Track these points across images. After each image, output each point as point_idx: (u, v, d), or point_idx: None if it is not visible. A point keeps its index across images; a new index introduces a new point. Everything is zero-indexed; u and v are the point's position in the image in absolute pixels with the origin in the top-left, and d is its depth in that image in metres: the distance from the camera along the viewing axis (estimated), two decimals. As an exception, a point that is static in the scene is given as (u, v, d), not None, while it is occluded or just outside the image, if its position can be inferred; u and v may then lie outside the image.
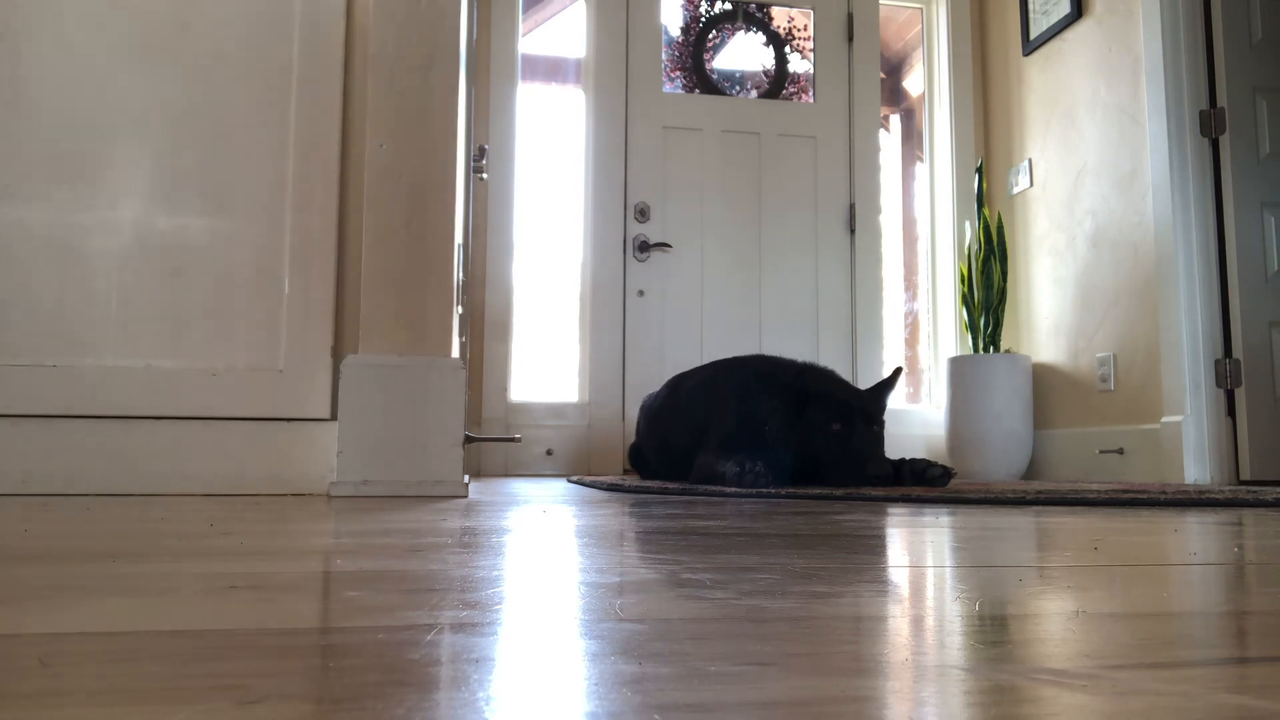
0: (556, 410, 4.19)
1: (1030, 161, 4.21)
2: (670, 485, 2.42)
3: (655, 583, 0.66)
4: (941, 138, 4.63)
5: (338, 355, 1.99)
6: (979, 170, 4.26)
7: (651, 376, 4.14)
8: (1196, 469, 3.27)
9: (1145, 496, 1.84)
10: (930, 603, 0.61)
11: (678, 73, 4.53)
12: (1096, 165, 3.78)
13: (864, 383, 4.28)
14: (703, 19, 4.57)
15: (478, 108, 4.05)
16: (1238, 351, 3.27)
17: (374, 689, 0.36)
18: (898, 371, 2.68)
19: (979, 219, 4.14)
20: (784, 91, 4.59)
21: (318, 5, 2.05)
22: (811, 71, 4.58)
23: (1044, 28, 4.11)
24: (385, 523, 1.19)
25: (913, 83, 5.28)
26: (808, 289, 4.43)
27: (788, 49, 4.61)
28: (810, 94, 4.58)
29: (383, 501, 1.69)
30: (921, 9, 4.76)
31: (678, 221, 4.35)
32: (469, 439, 2.25)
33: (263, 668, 0.39)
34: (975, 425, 3.96)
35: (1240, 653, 0.45)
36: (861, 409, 2.45)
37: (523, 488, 2.55)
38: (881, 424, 2.54)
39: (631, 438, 3.89)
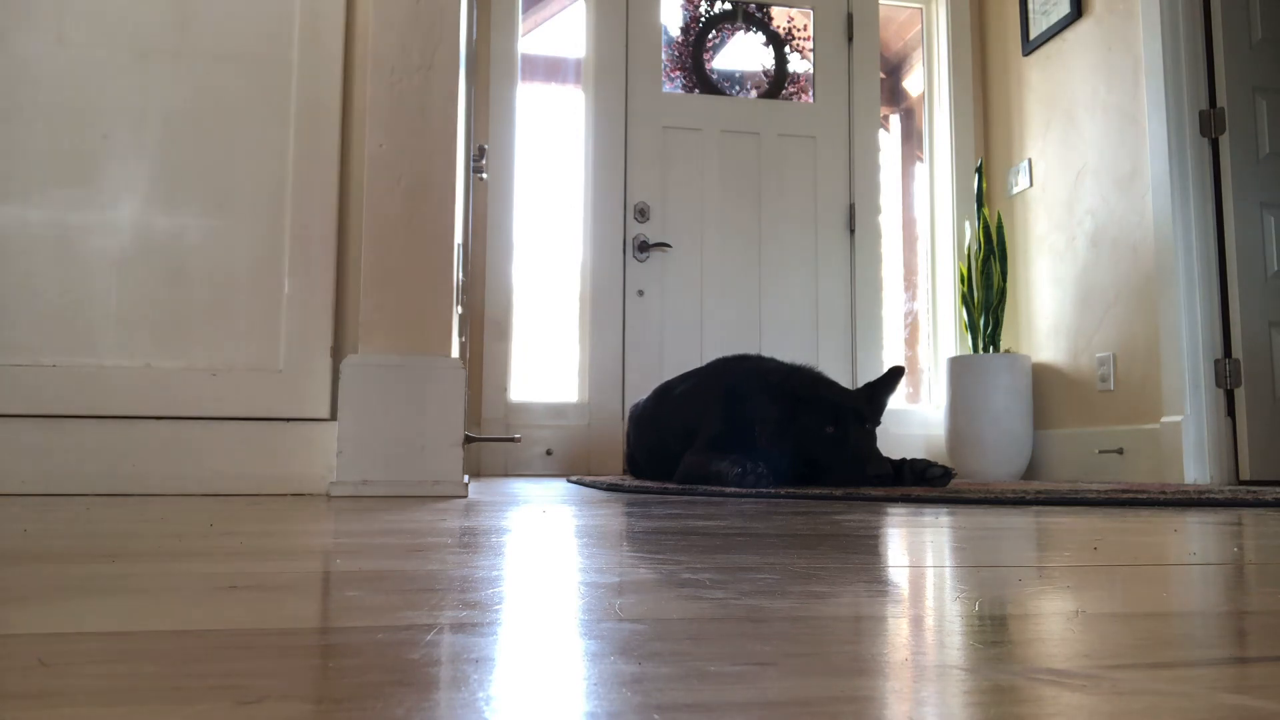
0: (556, 410, 4.19)
1: (1030, 161, 4.21)
2: (670, 485, 2.42)
3: (655, 583, 0.66)
4: (941, 138, 4.63)
5: (337, 355, 1.99)
6: (979, 170, 4.26)
7: (651, 376, 4.14)
8: (1196, 469, 3.27)
9: (1145, 496, 1.84)
10: (930, 603, 0.61)
11: (677, 73, 4.53)
12: (1096, 165, 3.78)
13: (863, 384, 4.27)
14: (702, 19, 4.57)
15: (478, 108, 4.05)
16: (1237, 351, 3.27)
17: (374, 689, 0.36)
18: (897, 371, 2.63)
19: (979, 219, 4.14)
20: (784, 91, 4.59)
21: (318, 5, 2.05)
22: (811, 71, 4.58)
23: (1044, 28, 4.11)
24: (385, 523, 1.19)
25: (913, 83, 5.28)
26: (807, 289, 4.43)
27: (787, 49, 4.61)
28: (810, 94, 4.58)
29: (382, 501, 1.69)
30: (921, 9, 4.76)
31: (678, 221, 4.35)
32: (469, 439, 2.25)
33: (263, 668, 0.39)
34: (975, 425, 3.96)
35: (1240, 653, 0.45)
36: (855, 410, 2.45)
37: (522, 488, 2.55)
38: (876, 424, 2.53)
39: (631, 438, 3.89)
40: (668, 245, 4.31)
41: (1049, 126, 4.09)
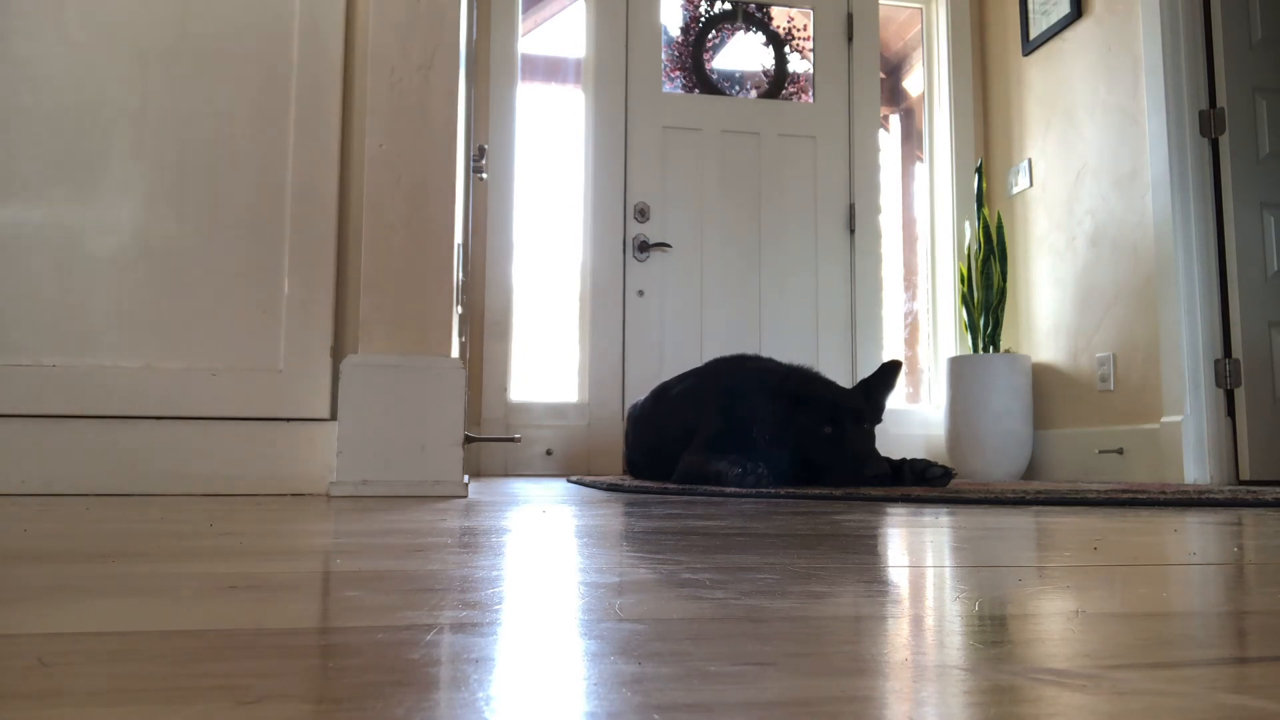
0: (556, 410, 4.19)
1: (1030, 161, 4.21)
2: (670, 485, 2.42)
3: (655, 583, 0.66)
4: (941, 138, 4.63)
5: (337, 355, 1.99)
6: (979, 170, 4.26)
7: (651, 376, 4.14)
8: (1196, 469, 3.27)
9: (1145, 496, 1.84)
10: (930, 603, 0.61)
11: (677, 73, 4.53)
12: (1096, 165, 3.78)
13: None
14: (702, 19, 4.57)
15: (478, 108, 4.05)
16: (1237, 351, 3.27)
17: (374, 689, 0.36)
18: (893, 366, 2.59)
19: (979, 219, 4.14)
20: (784, 91, 4.59)
21: (317, 6, 2.05)
22: (811, 71, 4.58)
23: (1044, 28, 4.11)
24: (385, 523, 1.19)
25: (913, 83, 5.28)
26: (807, 289, 4.43)
27: (787, 49, 4.61)
28: (810, 94, 4.58)
29: (382, 501, 1.69)
30: (921, 9, 4.76)
31: (677, 221, 4.35)
32: (469, 439, 2.25)
33: (263, 668, 0.39)
34: (975, 425, 3.96)
35: (1240, 653, 0.45)
36: (853, 410, 2.45)
37: (522, 488, 2.55)
38: (874, 423, 2.53)
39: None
40: (668, 245, 4.31)
41: (1049, 126, 4.09)
